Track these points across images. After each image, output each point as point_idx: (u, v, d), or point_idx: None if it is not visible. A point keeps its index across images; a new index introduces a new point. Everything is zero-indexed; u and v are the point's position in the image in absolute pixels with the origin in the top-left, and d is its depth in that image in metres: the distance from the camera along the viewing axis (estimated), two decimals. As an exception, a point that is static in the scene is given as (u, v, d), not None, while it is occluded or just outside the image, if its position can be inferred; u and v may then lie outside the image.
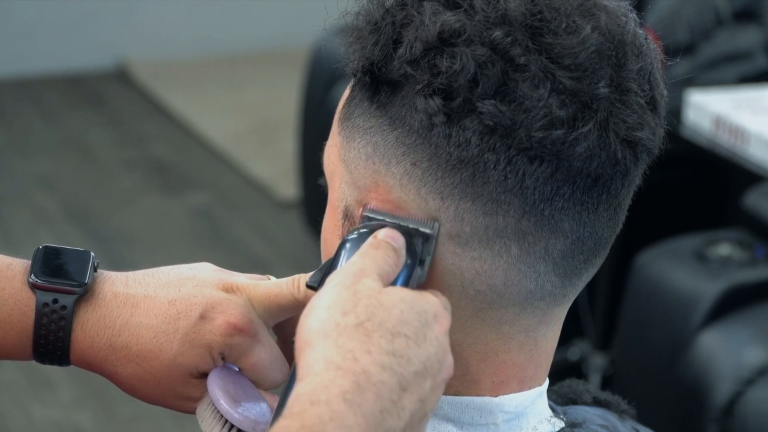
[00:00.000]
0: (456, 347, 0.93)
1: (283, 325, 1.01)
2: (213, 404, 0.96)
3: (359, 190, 0.94)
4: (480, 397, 0.95)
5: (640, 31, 0.94)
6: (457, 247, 0.92)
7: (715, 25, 2.99)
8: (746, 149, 2.63)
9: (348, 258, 0.89)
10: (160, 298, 0.96)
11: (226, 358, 0.97)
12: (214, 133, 4.71)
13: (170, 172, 4.45)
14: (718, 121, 2.67)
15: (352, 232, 0.91)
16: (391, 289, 0.85)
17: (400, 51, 0.90)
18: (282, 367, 0.99)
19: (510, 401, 0.95)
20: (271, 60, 5.35)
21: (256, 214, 4.17)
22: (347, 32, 0.94)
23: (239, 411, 0.95)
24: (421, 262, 0.90)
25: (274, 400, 0.99)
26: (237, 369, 0.98)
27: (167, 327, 0.96)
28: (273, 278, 0.99)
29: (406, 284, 0.89)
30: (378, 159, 0.93)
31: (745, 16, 3.04)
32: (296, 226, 3.96)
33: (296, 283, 0.97)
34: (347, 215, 0.96)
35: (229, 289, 0.97)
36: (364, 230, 0.91)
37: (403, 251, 0.89)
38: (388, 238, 0.89)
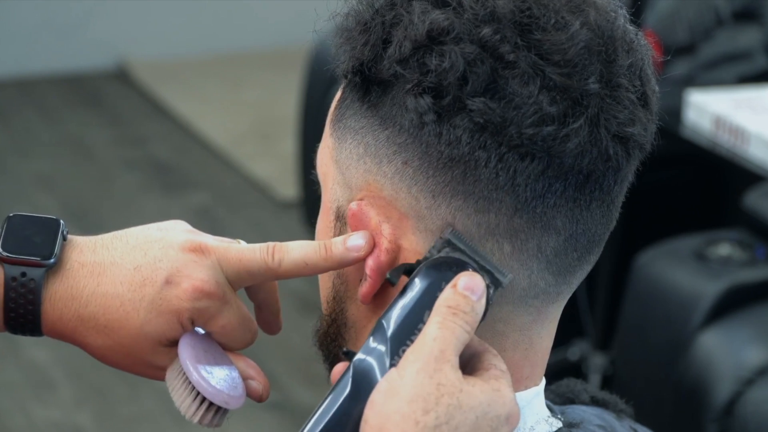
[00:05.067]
0: (451, 346, 0.93)
1: (256, 291, 1.00)
2: (184, 373, 0.94)
3: (351, 191, 0.94)
4: (477, 398, 0.94)
5: (630, 27, 0.94)
6: (449, 245, 0.91)
7: (715, 25, 2.99)
8: (746, 149, 2.63)
9: (419, 299, 0.87)
10: (125, 265, 0.95)
11: (195, 322, 0.95)
12: (214, 133, 4.71)
13: (170, 172, 4.45)
14: (718, 121, 2.67)
15: (429, 257, 0.90)
16: (471, 387, 0.85)
17: (390, 50, 0.90)
18: (251, 327, 0.98)
19: (507, 401, 0.95)
20: (271, 60, 5.35)
21: (256, 214, 4.17)
22: (337, 33, 0.94)
23: (212, 384, 0.94)
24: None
25: (247, 364, 0.98)
26: (204, 332, 0.96)
27: (132, 295, 0.94)
28: (243, 242, 0.97)
29: None
30: (369, 159, 0.93)
31: (745, 16, 3.04)
32: (296, 226, 3.96)
33: (270, 250, 0.95)
34: (339, 216, 0.96)
35: (196, 250, 0.95)
36: (440, 260, 0.89)
37: (482, 304, 0.88)
38: (467, 291, 0.88)
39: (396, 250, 0.93)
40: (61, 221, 0.98)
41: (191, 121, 4.82)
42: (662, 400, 2.35)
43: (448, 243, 0.90)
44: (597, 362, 2.83)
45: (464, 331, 0.86)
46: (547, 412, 0.99)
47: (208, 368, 0.95)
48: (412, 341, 0.86)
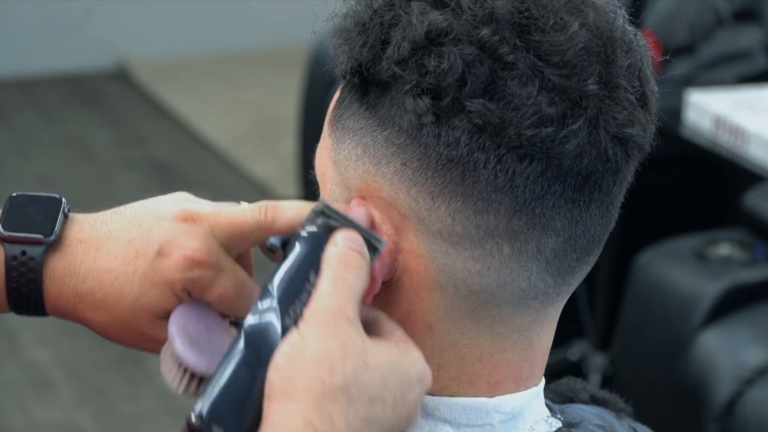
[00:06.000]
0: (451, 348, 0.93)
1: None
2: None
3: (350, 192, 0.94)
4: (476, 398, 0.94)
5: (629, 28, 0.93)
6: (449, 246, 0.91)
7: (715, 25, 2.99)
8: (746, 149, 2.63)
9: (302, 261, 0.88)
10: (120, 238, 0.94)
11: (191, 292, 0.94)
12: (214, 133, 4.71)
13: (170, 172, 4.46)
14: (718, 121, 2.67)
15: (303, 230, 0.90)
16: (378, 347, 0.85)
17: (388, 51, 0.90)
18: (252, 292, 0.96)
19: (506, 402, 0.95)
20: (271, 60, 5.36)
21: (256, 214, 4.17)
22: (336, 34, 0.94)
23: (195, 352, 0.92)
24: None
25: None
26: (206, 303, 0.95)
27: (126, 268, 0.93)
28: (245, 203, 0.96)
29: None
30: (368, 160, 0.92)
31: (745, 16, 3.04)
32: (296, 226, 3.96)
33: (263, 209, 0.94)
34: (338, 217, 0.96)
35: (188, 219, 0.94)
36: (316, 230, 0.90)
37: (368, 259, 0.89)
38: (350, 242, 0.88)
39: (396, 250, 0.92)
40: (63, 199, 0.96)
41: (191, 121, 4.82)
42: (662, 400, 2.35)
43: (321, 213, 0.90)
44: (597, 362, 2.83)
45: (359, 279, 0.87)
46: (547, 412, 0.99)
47: (197, 339, 0.92)
48: (300, 300, 0.87)
